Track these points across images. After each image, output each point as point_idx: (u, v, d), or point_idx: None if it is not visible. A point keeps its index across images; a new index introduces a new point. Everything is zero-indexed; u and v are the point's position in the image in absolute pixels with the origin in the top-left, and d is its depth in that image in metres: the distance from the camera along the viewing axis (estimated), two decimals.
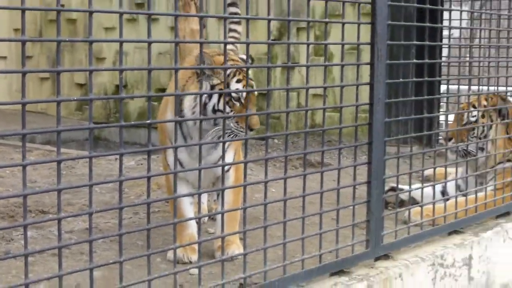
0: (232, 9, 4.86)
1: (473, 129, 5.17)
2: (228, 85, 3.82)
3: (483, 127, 5.17)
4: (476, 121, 5.18)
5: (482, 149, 5.18)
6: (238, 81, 3.87)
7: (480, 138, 5.17)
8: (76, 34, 12.27)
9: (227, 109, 3.82)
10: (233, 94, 3.87)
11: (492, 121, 5.13)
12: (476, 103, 5.17)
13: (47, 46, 12.61)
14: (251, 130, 3.74)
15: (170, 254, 3.97)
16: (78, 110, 12.33)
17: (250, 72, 3.97)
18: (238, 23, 4.97)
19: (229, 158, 4.06)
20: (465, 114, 5.15)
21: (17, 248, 4.21)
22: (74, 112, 12.40)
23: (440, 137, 8.35)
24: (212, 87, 3.87)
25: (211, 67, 3.76)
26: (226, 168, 4.03)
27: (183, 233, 4.05)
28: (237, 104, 3.89)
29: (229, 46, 4.13)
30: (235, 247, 4.00)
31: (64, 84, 12.31)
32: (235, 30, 4.95)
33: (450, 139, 5.10)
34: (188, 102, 3.85)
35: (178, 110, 3.67)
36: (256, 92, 3.97)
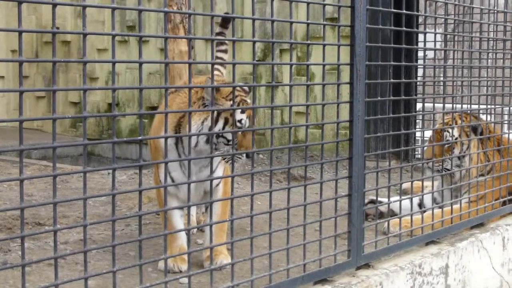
0: (219, 37, 4.86)
1: (453, 148, 5.17)
2: (232, 115, 3.83)
3: (462, 145, 5.18)
4: (455, 141, 5.17)
5: (458, 165, 5.19)
6: (242, 111, 3.87)
7: (459, 157, 5.17)
8: (71, 55, 12.26)
9: (230, 136, 3.83)
10: (238, 123, 3.87)
11: (468, 139, 5.14)
12: (452, 123, 5.17)
13: (43, 67, 12.59)
14: (248, 157, 3.77)
15: (161, 264, 3.97)
16: (72, 127, 12.30)
17: (249, 101, 3.98)
18: (225, 51, 4.95)
19: (219, 174, 4.09)
20: (444, 135, 5.16)
21: (15, 258, 4.19)
22: (69, 129, 12.36)
23: (417, 152, 8.39)
24: (218, 114, 3.85)
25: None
26: (216, 183, 4.04)
27: (173, 244, 4.04)
28: (239, 132, 3.89)
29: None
30: (223, 257, 3.99)
31: (59, 103, 12.28)
32: (221, 58, 4.94)
33: (430, 159, 5.06)
34: (196, 125, 3.85)
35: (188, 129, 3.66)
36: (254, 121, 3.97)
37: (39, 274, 3.86)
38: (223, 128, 3.84)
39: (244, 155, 3.78)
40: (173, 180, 3.97)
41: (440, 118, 5.38)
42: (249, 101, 3.98)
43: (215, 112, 3.80)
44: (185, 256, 3.85)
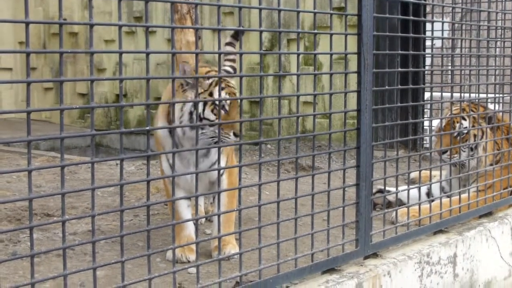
0: (228, 48, 4.73)
1: (467, 139, 5.14)
2: (211, 94, 3.81)
3: (475, 136, 5.14)
4: (467, 132, 5.12)
5: (471, 155, 5.16)
6: (222, 89, 3.79)
7: (471, 148, 5.12)
8: (78, 46, 12.26)
9: (213, 117, 3.80)
10: (217, 102, 3.79)
11: (482, 129, 5.11)
12: (464, 114, 5.14)
13: (50, 58, 12.61)
14: (236, 136, 3.74)
15: (169, 254, 3.98)
16: (80, 118, 12.32)
17: (233, 81, 3.94)
18: (233, 60, 4.77)
19: (222, 164, 4.05)
20: (456, 126, 5.12)
21: (24, 249, 4.20)
22: (77, 120, 12.38)
23: (425, 142, 8.38)
24: (196, 97, 3.81)
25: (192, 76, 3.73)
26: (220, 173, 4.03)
27: (181, 234, 4.04)
28: (222, 111, 3.78)
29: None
30: (231, 247, 3.99)
31: (67, 94, 12.31)
32: (229, 66, 4.81)
33: (444, 152, 4.99)
34: (176, 113, 3.79)
35: (172, 119, 3.64)
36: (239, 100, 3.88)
37: (48, 265, 3.88)
38: (203, 110, 3.82)
39: (232, 134, 3.74)
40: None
41: (447, 108, 5.36)
42: (230, 81, 3.92)
43: (192, 95, 3.76)
44: (193, 246, 3.85)
